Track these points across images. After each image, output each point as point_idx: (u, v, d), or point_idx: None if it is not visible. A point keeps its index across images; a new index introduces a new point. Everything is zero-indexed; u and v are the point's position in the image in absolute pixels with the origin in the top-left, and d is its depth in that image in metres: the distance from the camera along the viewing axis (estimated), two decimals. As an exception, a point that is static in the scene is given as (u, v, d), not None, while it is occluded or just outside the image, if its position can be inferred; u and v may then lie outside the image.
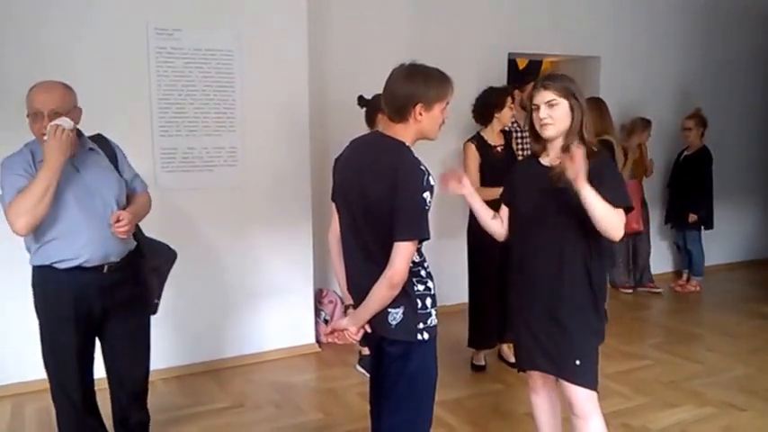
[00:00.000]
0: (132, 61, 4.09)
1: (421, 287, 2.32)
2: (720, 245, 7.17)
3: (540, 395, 2.86)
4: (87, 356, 2.87)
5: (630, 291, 6.45)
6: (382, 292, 2.23)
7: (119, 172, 2.90)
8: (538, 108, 2.53)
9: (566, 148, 2.49)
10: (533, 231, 2.60)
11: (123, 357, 2.97)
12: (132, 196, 2.92)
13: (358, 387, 4.09)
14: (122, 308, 2.86)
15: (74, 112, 2.73)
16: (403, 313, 2.28)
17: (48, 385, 3.89)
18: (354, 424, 3.61)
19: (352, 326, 2.35)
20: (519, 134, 5.00)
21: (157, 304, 3.14)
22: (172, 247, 3.22)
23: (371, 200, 2.24)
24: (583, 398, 2.57)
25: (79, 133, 2.81)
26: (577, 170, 2.30)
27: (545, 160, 2.62)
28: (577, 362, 2.54)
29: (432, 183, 2.23)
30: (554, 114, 2.50)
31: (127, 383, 3.03)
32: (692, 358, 4.72)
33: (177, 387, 4.19)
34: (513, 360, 4.44)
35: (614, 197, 2.41)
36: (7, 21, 3.79)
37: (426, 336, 2.30)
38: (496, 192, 4.05)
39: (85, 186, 2.71)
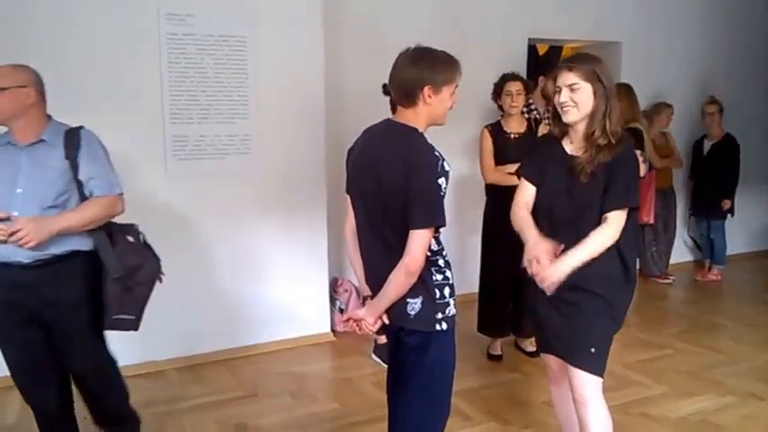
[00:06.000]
0: (143, 47, 4.05)
1: (439, 276, 2.29)
2: (741, 234, 7.05)
3: (561, 386, 2.80)
4: (23, 343, 2.75)
5: (668, 281, 6.35)
6: (399, 279, 2.21)
7: (75, 170, 2.66)
8: (560, 90, 2.46)
9: (589, 137, 2.44)
10: (559, 220, 2.53)
11: (60, 354, 2.82)
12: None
13: (373, 376, 4.07)
14: (50, 307, 2.69)
15: (9, 91, 2.57)
16: (421, 303, 2.26)
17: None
18: (370, 413, 3.58)
19: (370, 316, 2.33)
20: (546, 122, 4.94)
21: (134, 320, 2.84)
22: (170, 250, 3.08)
23: (387, 189, 2.22)
24: (584, 382, 2.52)
25: (49, 117, 2.77)
26: (544, 278, 2.38)
27: (568, 147, 2.56)
28: (593, 349, 2.50)
29: (447, 168, 2.20)
30: (576, 98, 2.42)
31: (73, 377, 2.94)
32: (712, 347, 4.65)
33: (191, 376, 4.19)
34: (530, 350, 4.45)
35: (620, 197, 2.41)
36: (17, 7, 3.76)
37: (445, 326, 2.29)
38: (509, 168, 3.96)
39: (13, 180, 2.59)
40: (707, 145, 6.44)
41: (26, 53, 3.75)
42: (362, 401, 3.80)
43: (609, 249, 2.43)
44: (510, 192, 4.13)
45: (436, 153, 2.20)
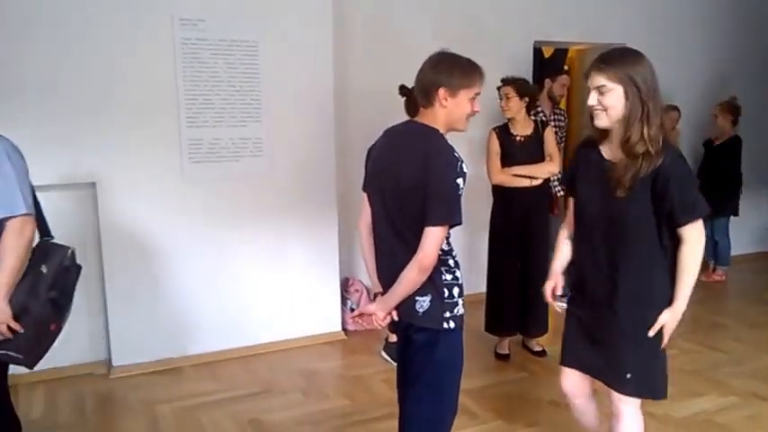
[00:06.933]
0: (158, 52, 4.13)
1: (449, 276, 2.35)
2: (746, 235, 7.09)
3: (578, 409, 2.72)
4: None
5: None
6: (412, 275, 2.27)
7: None
8: (589, 93, 2.30)
9: (624, 144, 2.24)
10: (594, 230, 2.42)
11: None
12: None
13: (383, 374, 4.15)
14: None
15: None
16: (430, 301, 2.32)
17: (79, 371, 3.93)
18: (380, 410, 3.66)
19: (381, 311, 2.39)
20: (552, 124, 5.01)
21: (23, 359, 2.48)
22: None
23: (405, 186, 2.28)
24: (618, 396, 2.46)
25: None
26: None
27: (606, 151, 2.39)
28: (628, 375, 2.40)
29: (465, 170, 2.26)
30: (605, 102, 2.25)
31: None
32: (716, 348, 4.70)
33: (206, 373, 4.28)
34: (537, 349, 4.51)
35: (690, 209, 2.27)
36: (33, 14, 3.85)
37: (453, 324, 2.34)
38: (516, 170, 4.24)
39: None
40: (714, 145, 6.48)
41: (39, 59, 3.87)
42: (372, 399, 3.87)
43: (660, 267, 2.34)
44: (516, 193, 4.28)
45: (456, 154, 2.27)
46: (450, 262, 2.37)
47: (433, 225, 2.22)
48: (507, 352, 4.50)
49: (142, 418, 3.67)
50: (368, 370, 4.31)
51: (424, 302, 2.32)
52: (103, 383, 4.11)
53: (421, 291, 2.31)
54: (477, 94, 2.35)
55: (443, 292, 2.33)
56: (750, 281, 6.68)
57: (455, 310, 2.35)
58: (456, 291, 2.36)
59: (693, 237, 2.29)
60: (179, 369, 4.31)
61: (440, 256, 2.30)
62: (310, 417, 3.68)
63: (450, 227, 2.28)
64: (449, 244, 2.37)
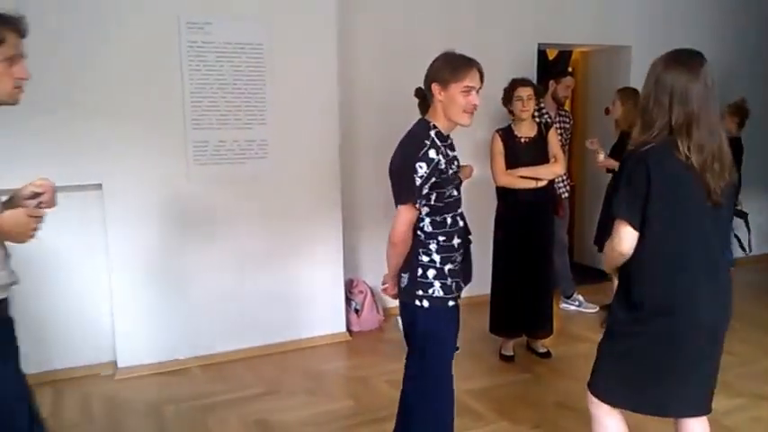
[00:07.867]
0: (164, 55, 4.16)
1: (425, 258, 2.54)
2: (753, 236, 7.04)
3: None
4: None
5: None
6: (387, 249, 2.59)
7: None
8: None
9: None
10: None
11: None
12: None
13: (388, 375, 4.14)
14: None
15: None
16: (408, 278, 2.58)
17: (85, 373, 3.94)
18: (384, 411, 3.64)
19: (387, 280, 2.71)
20: (557, 125, 5.00)
21: None
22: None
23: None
24: (588, 397, 2.51)
25: None
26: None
27: None
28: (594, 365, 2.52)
29: (431, 156, 2.40)
30: None
31: None
32: (723, 349, 4.67)
33: (214, 374, 4.30)
34: (541, 351, 4.51)
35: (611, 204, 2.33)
36: (35, 16, 3.85)
37: (426, 303, 2.53)
38: (520, 172, 4.23)
39: None
40: None
41: (44, 62, 3.88)
42: (377, 399, 3.89)
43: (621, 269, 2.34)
44: (521, 195, 4.27)
45: (426, 141, 2.43)
46: (432, 246, 2.54)
47: (397, 204, 2.49)
48: (512, 353, 4.49)
49: (148, 418, 3.69)
50: (373, 371, 4.32)
51: (404, 279, 2.59)
52: (110, 384, 4.13)
53: (403, 268, 2.59)
54: (469, 87, 2.45)
55: (417, 271, 2.55)
56: (756, 282, 6.64)
57: (429, 291, 2.53)
58: (431, 273, 2.53)
59: (613, 235, 2.28)
60: (185, 370, 4.33)
61: (419, 237, 2.52)
62: (316, 417, 3.70)
63: (417, 208, 2.48)
64: (437, 227, 2.53)
